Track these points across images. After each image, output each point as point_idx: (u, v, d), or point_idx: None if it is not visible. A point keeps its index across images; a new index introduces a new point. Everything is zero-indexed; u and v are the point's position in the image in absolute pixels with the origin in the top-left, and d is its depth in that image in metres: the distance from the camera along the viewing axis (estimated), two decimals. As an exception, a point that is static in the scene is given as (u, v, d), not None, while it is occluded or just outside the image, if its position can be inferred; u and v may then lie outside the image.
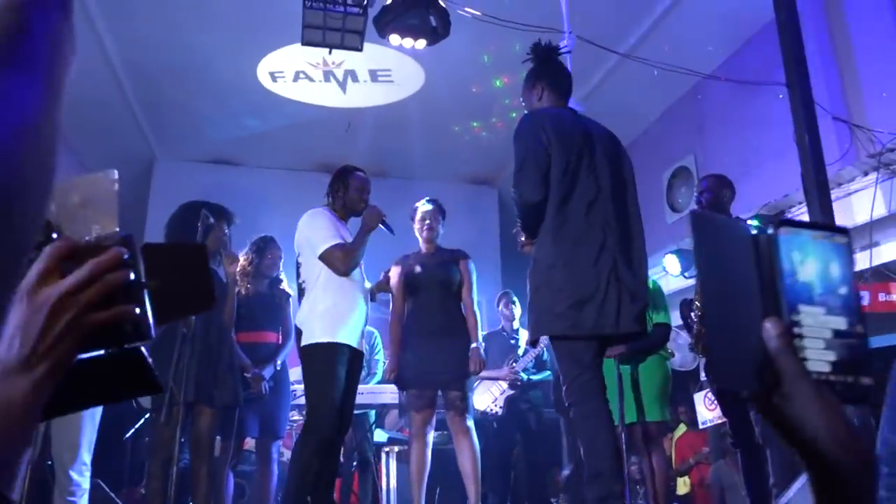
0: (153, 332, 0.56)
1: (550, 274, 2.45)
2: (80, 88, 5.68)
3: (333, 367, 3.04)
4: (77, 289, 0.54)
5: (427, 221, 3.82)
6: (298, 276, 3.30)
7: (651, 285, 3.64)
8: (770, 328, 0.55)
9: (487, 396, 4.78)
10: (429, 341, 3.62)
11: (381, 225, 3.27)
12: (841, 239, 0.59)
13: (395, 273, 3.80)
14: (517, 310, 4.90)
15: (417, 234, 3.87)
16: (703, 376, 4.74)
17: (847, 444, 0.52)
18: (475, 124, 6.53)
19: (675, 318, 3.99)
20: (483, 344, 3.78)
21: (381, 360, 4.68)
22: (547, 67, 2.77)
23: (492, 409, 4.74)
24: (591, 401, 2.40)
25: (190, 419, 3.20)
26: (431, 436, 3.66)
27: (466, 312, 3.72)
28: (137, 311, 0.55)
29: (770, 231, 0.58)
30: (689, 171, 5.86)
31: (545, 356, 4.78)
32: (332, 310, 3.12)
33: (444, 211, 3.92)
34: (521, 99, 2.83)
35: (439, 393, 3.62)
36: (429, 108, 6.15)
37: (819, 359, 0.55)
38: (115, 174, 0.67)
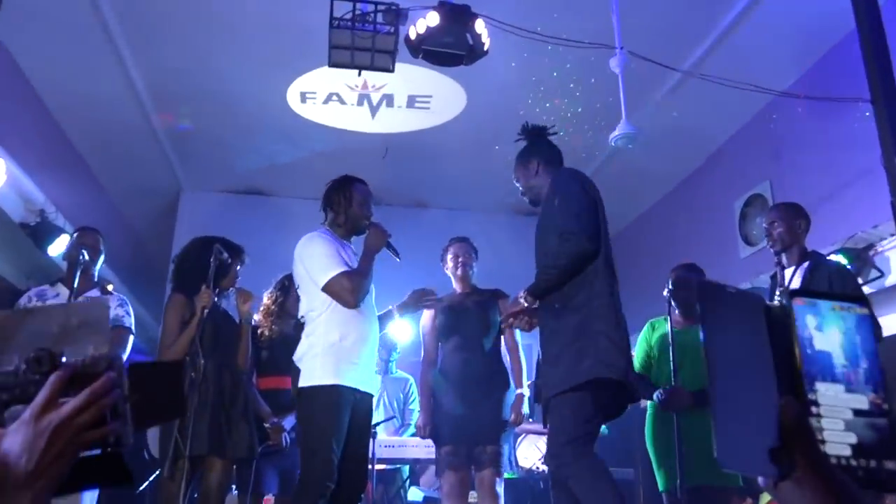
0: (131, 438, 0.74)
1: (603, 321, 2.70)
2: (107, 118, 5.90)
3: (335, 413, 2.82)
4: (75, 414, 0.70)
5: (460, 258, 3.83)
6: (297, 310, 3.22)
7: None
8: (785, 408, 0.55)
9: (534, 452, 4.69)
10: (466, 391, 3.57)
11: (385, 247, 3.13)
12: (861, 310, 0.59)
13: (427, 317, 3.78)
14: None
15: (451, 275, 3.88)
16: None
17: None
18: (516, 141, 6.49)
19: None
20: (529, 393, 3.70)
21: (415, 410, 4.63)
22: (539, 144, 3.14)
23: (538, 468, 4.64)
24: (596, 456, 2.58)
25: (200, 473, 3.18)
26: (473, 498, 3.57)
27: (511, 357, 3.69)
28: (120, 425, 0.72)
29: (784, 302, 0.58)
30: (764, 199, 5.70)
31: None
32: (337, 346, 2.92)
33: (475, 249, 3.95)
34: (515, 178, 3.16)
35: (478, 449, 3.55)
36: (471, 133, 6.16)
37: (839, 441, 0.55)
38: (108, 301, 0.99)
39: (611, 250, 2.88)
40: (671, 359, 3.54)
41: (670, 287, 3.64)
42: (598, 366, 2.62)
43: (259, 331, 3.85)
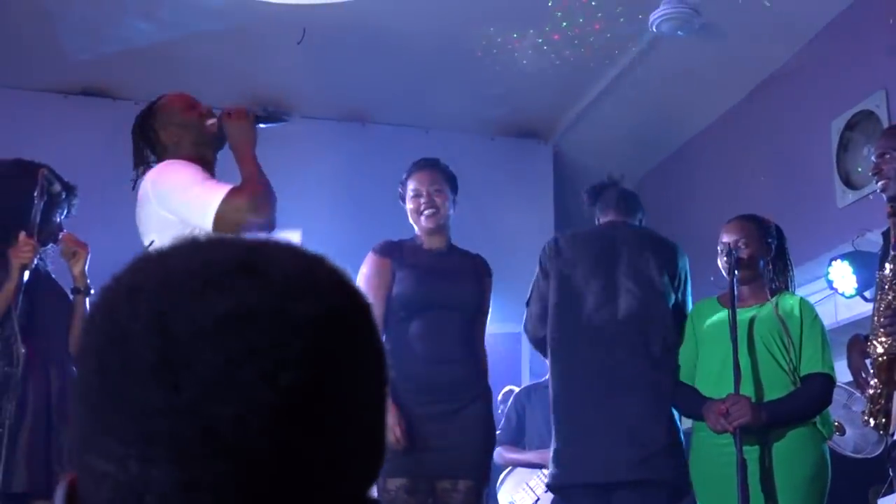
0: None
1: None
2: None
3: None
4: None
5: (423, 199, 3.90)
6: None
7: (795, 306, 3.79)
8: None
9: (524, 496, 4.77)
10: (431, 398, 3.72)
11: (263, 124, 3.15)
12: None
13: (376, 266, 3.86)
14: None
15: (412, 219, 3.97)
16: (892, 470, 4.61)
17: None
18: (517, 34, 6.41)
19: (843, 370, 3.91)
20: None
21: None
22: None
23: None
24: None
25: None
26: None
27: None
28: None
29: None
30: (875, 117, 5.70)
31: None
32: None
33: (454, 180, 4.01)
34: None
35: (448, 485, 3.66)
36: (434, 7, 6.04)
37: None
38: None
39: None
40: (732, 356, 3.60)
41: (728, 252, 3.76)
42: None
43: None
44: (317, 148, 6.58)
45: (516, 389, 5.19)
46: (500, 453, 4.90)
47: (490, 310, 4.07)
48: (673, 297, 3.90)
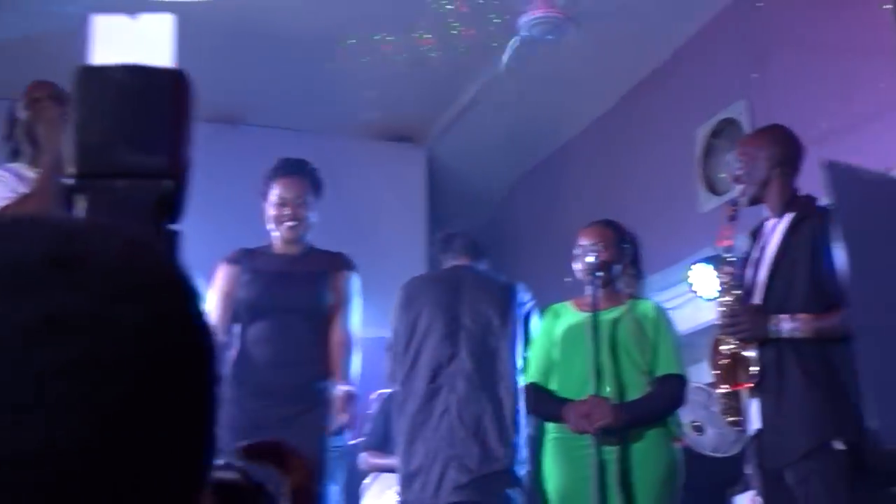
0: None
1: None
2: None
3: None
4: None
5: (286, 210, 3.87)
6: None
7: (649, 310, 3.90)
8: None
9: (389, 502, 4.65)
10: (272, 401, 3.71)
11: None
12: None
13: (220, 274, 3.83)
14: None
15: (271, 223, 3.91)
16: (747, 468, 4.72)
17: None
18: (389, 38, 6.38)
19: (702, 372, 4.02)
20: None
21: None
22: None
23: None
24: None
25: None
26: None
27: (336, 348, 3.84)
28: None
29: None
30: (737, 125, 5.84)
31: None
32: None
33: (320, 185, 3.99)
34: None
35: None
36: (310, 13, 5.97)
37: None
38: None
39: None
40: (594, 355, 3.67)
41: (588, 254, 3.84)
42: None
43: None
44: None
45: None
46: (365, 458, 4.88)
47: (352, 301, 3.98)
48: (509, 334, 4.09)
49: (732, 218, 3.57)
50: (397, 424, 4.13)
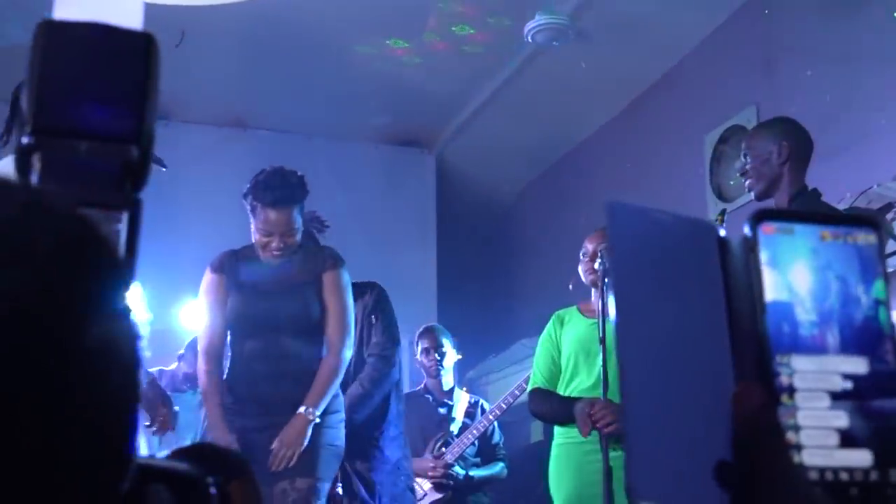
0: None
1: None
2: None
3: None
4: None
5: (273, 242, 3.68)
6: None
7: None
8: (742, 399, 0.54)
9: None
10: (267, 411, 3.65)
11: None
12: (866, 237, 0.58)
13: (212, 283, 3.73)
14: (450, 356, 4.89)
15: (257, 243, 3.75)
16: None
17: None
18: (399, 44, 6.43)
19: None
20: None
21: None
22: None
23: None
24: None
25: None
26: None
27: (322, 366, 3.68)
28: None
29: (747, 231, 0.56)
30: (746, 131, 5.83)
31: (497, 438, 4.77)
32: None
33: (305, 194, 3.79)
34: None
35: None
36: (320, 19, 6.02)
37: (820, 444, 0.54)
38: None
39: None
40: (601, 363, 3.65)
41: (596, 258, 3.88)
42: None
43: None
44: (196, 153, 6.46)
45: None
46: None
47: (342, 301, 3.78)
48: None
49: (720, 224, 3.52)
50: None
